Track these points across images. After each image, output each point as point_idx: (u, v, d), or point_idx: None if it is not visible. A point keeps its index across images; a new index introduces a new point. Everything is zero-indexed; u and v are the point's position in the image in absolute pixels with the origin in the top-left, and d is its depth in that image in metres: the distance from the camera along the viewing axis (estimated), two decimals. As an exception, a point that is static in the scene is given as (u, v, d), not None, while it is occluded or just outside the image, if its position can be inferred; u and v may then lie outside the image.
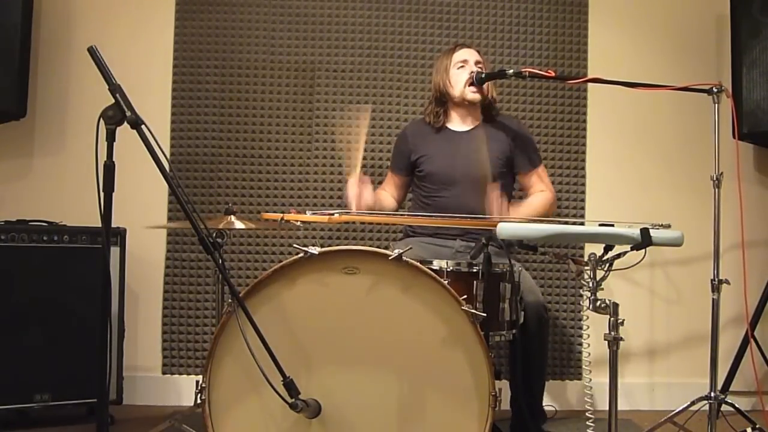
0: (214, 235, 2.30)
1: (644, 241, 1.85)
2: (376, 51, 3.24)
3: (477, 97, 2.68)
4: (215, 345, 1.92)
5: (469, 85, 2.67)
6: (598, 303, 1.88)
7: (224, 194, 3.17)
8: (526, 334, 2.41)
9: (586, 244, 3.18)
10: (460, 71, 2.70)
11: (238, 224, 2.36)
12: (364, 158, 3.16)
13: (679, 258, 3.22)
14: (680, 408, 2.55)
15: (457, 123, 2.76)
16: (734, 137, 2.92)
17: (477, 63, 2.72)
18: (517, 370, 2.56)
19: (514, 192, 2.86)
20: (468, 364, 1.90)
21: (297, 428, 1.89)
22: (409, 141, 2.80)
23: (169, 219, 3.15)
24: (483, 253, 2.05)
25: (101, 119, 1.68)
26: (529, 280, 2.57)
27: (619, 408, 1.90)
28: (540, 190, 2.75)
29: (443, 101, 2.76)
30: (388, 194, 2.85)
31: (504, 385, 2.12)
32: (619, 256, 1.91)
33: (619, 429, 1.89)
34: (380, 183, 2.95)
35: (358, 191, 2.52)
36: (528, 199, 2.74)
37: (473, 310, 1.90)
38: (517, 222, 2.32)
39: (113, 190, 1.68)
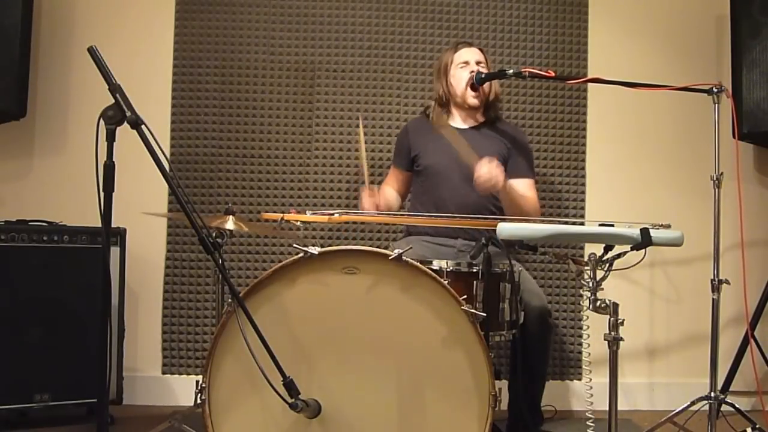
0: (214, 235, 2.31)
1: (644, 241, 1.85)
2: (376, 51, 3.24)
3: (476, 102, 2.72)
4: (215, 345, 1.92)
5: (470, 88, 2.68)
6: (598, 303, 1.88)
7: (224, 194, 3.17)
8: (528, 339, 2.40)
9: (586, 244, 3.18)
10: (462, 71, 2.71)
11: (238, 226, 2.36)
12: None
13: (679, 258, 3.22)
14: (680, 408, 2.55)
15: (459, 121, 2.79)
16: (734, 137, 2.92)
17: (478, 63, 2.73)
18: (516, 373, 2.56)
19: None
20: (468, 364, 1.90)
21: (297, 428, 1.89)
22: (410, 136, 2.83)
23: (170, 219, 3.15)
24: (483, 253, 2.05)
25: (101, 119, 1.68)
26: (532, 284, 2.57)
27: (619, 408, 1.90)
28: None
29: (446, 103, 2.78)
30: (393, 191, 2.85)
31: (504, 385, 2.12)
32: (619, 256, 1.90)
33: (619, 429, 1.88)
34: (380, 183, 2.95)
35: (373, 203, 2.57)
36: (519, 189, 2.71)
37: (473, 310, 1.90)
38: (516, 222, 2.31)
39: (113, 190, 1.68)
